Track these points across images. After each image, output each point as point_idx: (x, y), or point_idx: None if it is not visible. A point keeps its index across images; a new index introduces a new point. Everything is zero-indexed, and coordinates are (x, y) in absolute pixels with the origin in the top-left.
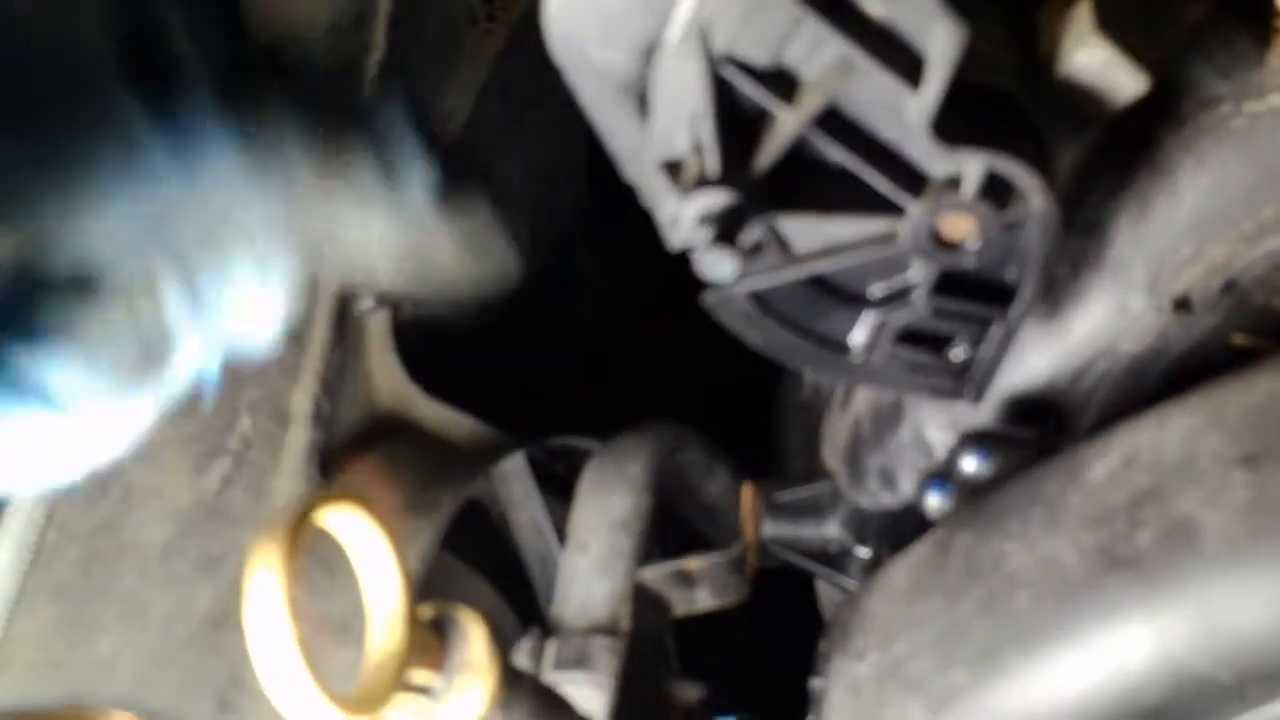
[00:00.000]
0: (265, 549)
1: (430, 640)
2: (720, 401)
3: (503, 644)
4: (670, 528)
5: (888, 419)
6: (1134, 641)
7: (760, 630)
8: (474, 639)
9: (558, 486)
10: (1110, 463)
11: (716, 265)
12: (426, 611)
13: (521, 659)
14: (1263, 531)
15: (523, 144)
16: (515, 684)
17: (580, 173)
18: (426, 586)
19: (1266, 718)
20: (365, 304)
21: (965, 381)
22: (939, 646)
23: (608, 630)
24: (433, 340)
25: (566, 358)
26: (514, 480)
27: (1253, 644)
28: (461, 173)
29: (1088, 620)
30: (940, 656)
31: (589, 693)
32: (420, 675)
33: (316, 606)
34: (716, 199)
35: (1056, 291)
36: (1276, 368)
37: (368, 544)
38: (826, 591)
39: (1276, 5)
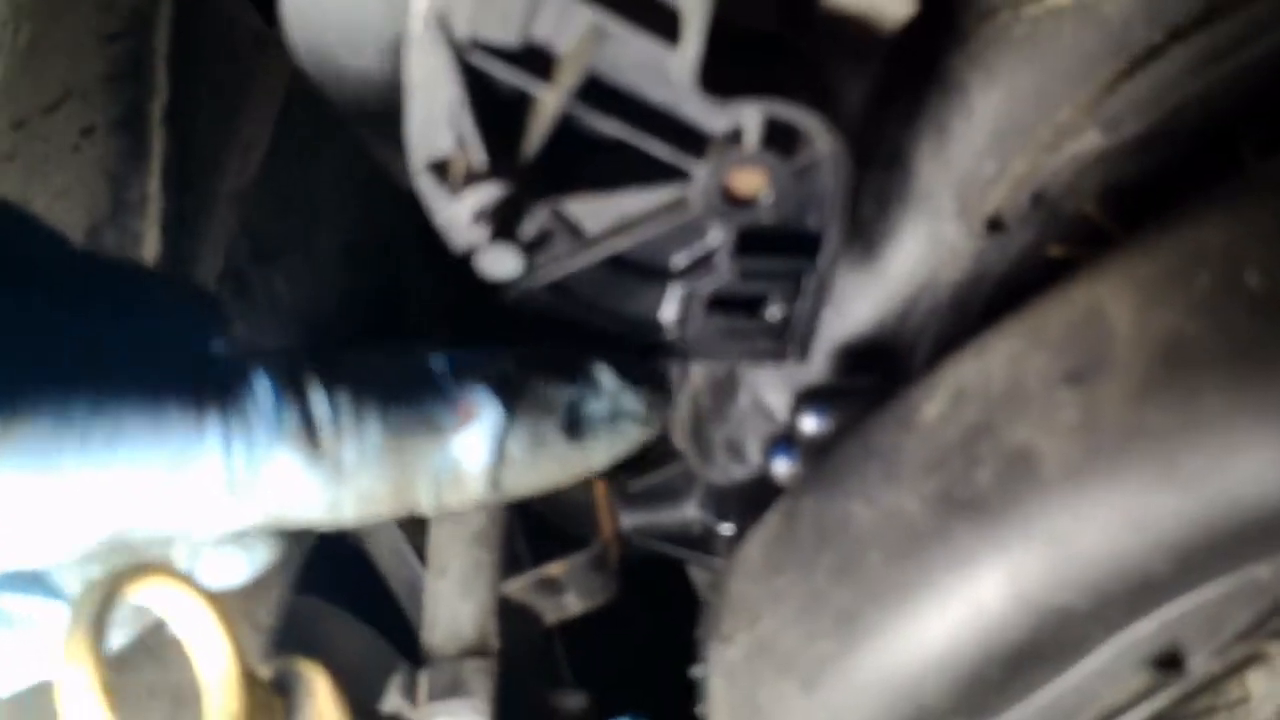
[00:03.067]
0: (72, 638)
1: (274, 701)
2: None
3: (380, 681)
4: (535, 534)
5: (725, 389)
6: (989, 583)
7: (654, 625)
8: (319, 692)
9: None
10: (939, 402)
11: (499, 262)
12: (266, 671)
13: (394, 697)
14: (1097, 450)
15: (334, 158)
16: None
17: (400, 182)
18: (289, 636)
19: (1132, 640)
20: None
21: (786, 340)
22: (802, 619)
23: (479, 651)
24: None
25: None
26: None
27: (1105, 567)
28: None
29: (939, 570)
30: (805, 630)
31: (469, 719)
32: None
33: (171, 678)
34: (488, 193)
35: (867, 232)
36: (1090, 276)
37: (186, 611)
38: (700, 576)
39: None
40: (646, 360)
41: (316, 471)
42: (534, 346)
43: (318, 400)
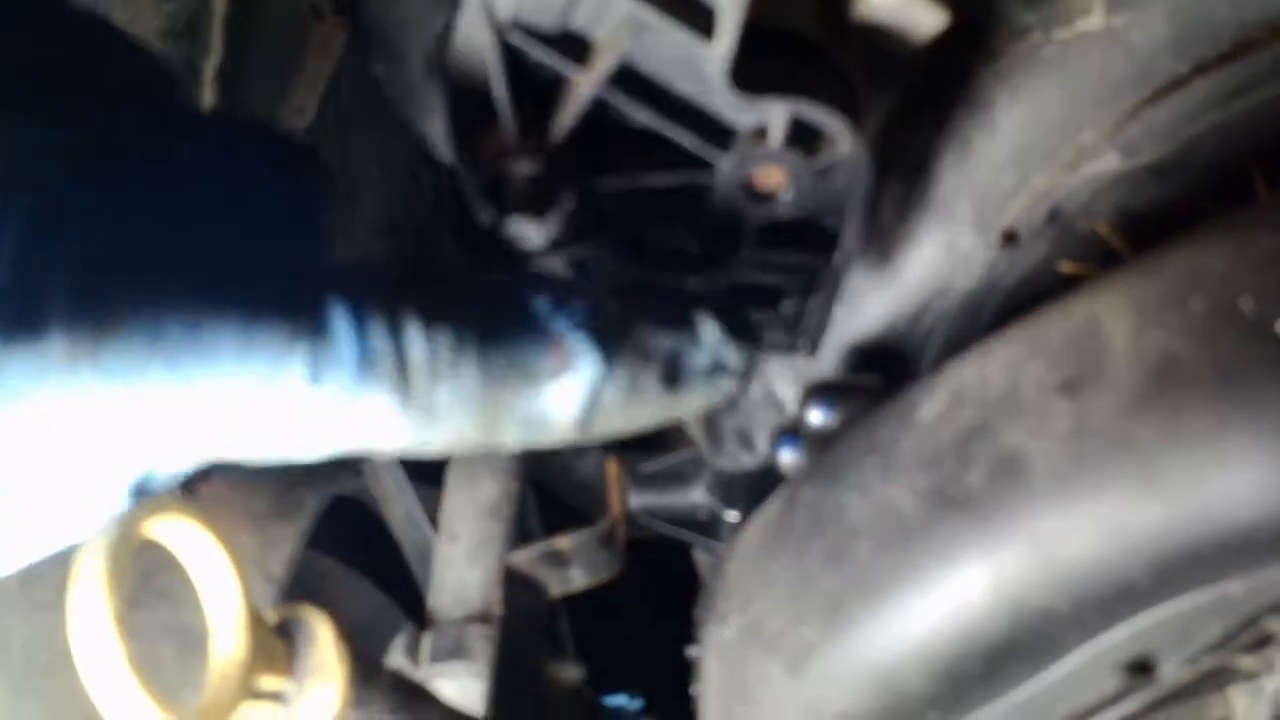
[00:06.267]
0: (87, 567)
1: (277, 645)
2: None
3: (384, 640)
4: (549, 509)
5: None
6: (972, 580)
7: (657, 604)
8: (322, 639)
9: (438, 475)
10: (938, 402)
11: (524, 234)
12: (272, 616)
13: (397, 655)
14: (1086, 458)
15: (376, 133)
16: (371, 681)
17: (439, 158)
18: (298, 589)
19: (1107, 645)
20: None
21: (798, 334)
22: (790, 603)
23: (483, 618)
24: None
25: None
26: (385, 474)
27: (1086, 572)
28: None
29: (926, 563)
30: (792, 613)
31: (469, 683)
32: (269, 681)
33: (183, 619)
34: (518, 168)
35: (885, 235)
36: (1092, 292)
37: (201, 552)
38: (704, 559)
39: None
40: (742, 313)
41: (407, 413)
42: (639, 287)
43: (416, 342)
